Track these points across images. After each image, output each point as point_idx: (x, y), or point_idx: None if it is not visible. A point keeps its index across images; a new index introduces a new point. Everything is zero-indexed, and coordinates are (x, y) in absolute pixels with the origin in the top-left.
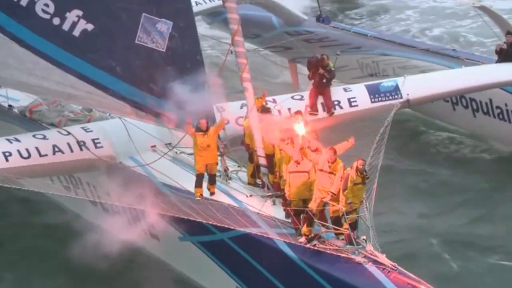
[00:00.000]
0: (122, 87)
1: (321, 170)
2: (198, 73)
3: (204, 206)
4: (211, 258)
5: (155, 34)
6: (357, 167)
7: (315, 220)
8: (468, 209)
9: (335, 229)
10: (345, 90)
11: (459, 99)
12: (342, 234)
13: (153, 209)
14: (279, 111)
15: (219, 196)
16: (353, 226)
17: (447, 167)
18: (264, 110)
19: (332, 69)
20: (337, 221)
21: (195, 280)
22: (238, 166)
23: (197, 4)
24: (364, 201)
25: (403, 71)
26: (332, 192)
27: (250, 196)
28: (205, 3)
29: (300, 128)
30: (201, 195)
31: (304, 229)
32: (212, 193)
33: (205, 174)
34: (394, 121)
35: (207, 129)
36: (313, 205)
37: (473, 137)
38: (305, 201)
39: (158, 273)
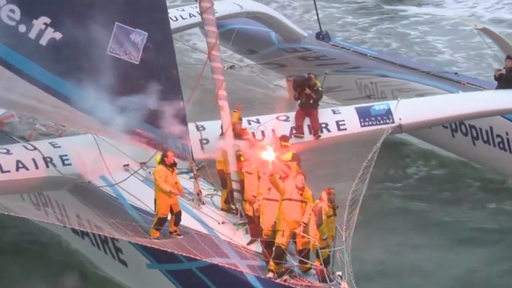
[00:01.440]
0: (91, 104)
1: (290, 199)
2: (173, 89)
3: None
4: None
5: (129, 45)
6: (328, 198)
7: (285, 255)
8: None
9: (305, 263)
10: (333, 112)
11: (458, 125)
12: (310, 269)
13: (117, 236)
14: (262, 132)
15: (190, 222)
16: (327, 261)
17: (440, 198)
18: (238, 133)
19: (320, 89)
20: (306, 254)
21: None
22: (214, 190)
23: (176, 20)
24: (340, 232)
25: (401, 94)
26: (304, 223)
27: (222, 223)
28: (184, 18)
29: (269, 154)
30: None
31: (272, 265)
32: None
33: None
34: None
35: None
36: (282, 240)
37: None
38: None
39: None
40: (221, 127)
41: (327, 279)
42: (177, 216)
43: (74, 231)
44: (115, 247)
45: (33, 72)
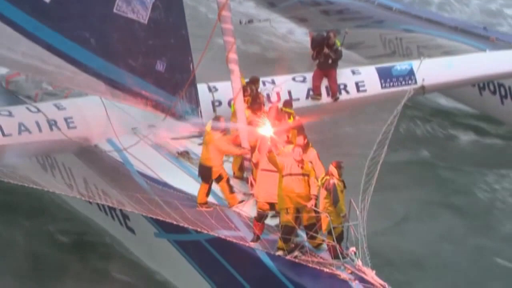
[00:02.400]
0: (96, 63)
1: (290, 175)
2: (182, 50)
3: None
4: (186, 259)
5: (137, 3)
6: (338, 172)
7: (295, 232)
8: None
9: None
10: (353, 72)
11: (486, 83)
12: (321, 244)
13: (121, 206)
14: (277, 94)
15: (196, 189)
16: (340, 236)
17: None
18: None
19: (339, 48)
20: (312, 228)
21: (169, 279)
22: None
23: None
24: (355, 206)
25: (427, 50)
26: (314, 195)
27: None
28: None
29: (266, 130)
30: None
31: (280, 244)
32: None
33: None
34: None
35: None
36: (287, 218)
37: None
38: (273, 206)
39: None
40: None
41: (340, 256)
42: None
43: (81, 194)
44: (122, 213)
45: (36, 30)
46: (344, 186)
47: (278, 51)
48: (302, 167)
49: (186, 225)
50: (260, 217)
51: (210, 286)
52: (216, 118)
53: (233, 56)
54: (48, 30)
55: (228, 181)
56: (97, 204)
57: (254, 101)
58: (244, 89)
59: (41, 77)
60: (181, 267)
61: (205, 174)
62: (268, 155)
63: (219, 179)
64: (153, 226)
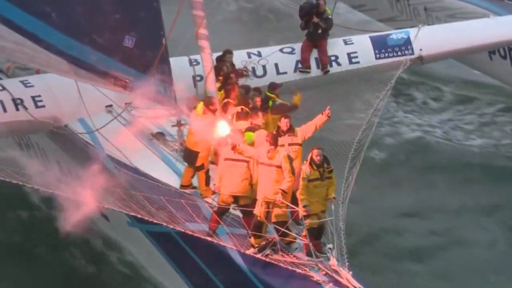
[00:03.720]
0: (58, 39)
1: (262, 164)
2: (153, 23)
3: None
4: (158, 249)
5: None
6: (311, 158)
7: (264, 228)
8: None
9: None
10: (345, 42)
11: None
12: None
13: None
14: (263, 67)
15: (171, 178)
16: (318, 232)
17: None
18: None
19: (330, 17)
20: (282, 225)
21: (144, 266)
22: None
23: None
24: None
25: (433, 12)
26: (282, 190)
27: None
28: None
29: (224, 127)
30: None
31: (252, 239)
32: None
33: None
34: None
35: None
36: (256, 211)
37: None
38: (237, 199)
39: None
40: None
41: (313, 254)
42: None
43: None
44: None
45: None
46: (323, 178)
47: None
48: (270, 157)
49: (150, 219)
50: (221, 211)
51: (181, 278)
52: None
53: (203, 31)
54: (6, 4)
55: (207, 172)
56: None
57: (226, 82)
58: (219, 67)
59: (1, 54)
60: (154, 257)
61: (191, 159)
62: (234, 150)
63: (200, 167)
64: (126, 215)
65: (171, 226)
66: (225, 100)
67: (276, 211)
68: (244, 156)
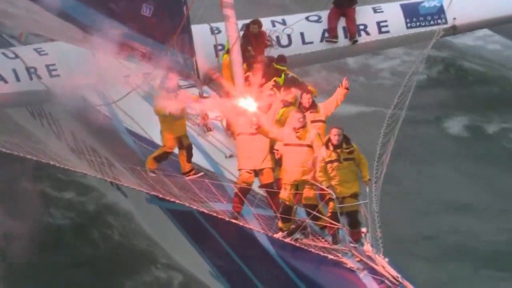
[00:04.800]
0: (73, 6)
1: (288, 145)
2: None
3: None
4: (179, 229)
5: None
6: (328, 138)
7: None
8: None
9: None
10: (374, 10)
11: None
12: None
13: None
14: (288, 36)
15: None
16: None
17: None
18: None
19: None
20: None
21: (165, 248)
22: None
23: None
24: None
25: None
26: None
27: (230, 156)
28: None
29: (250, 104)
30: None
31: (280, 223)
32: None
33: None
34: None
35: None
36: (283, 194)
37: None
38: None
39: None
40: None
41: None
42: (188, 151)
43: (71, 149)
44: (113, 174)
45: None
46: (341, 160)
47: None
48: (298, 137)
49: (172, 199)
50: (243, 192)
51: (204, 260)
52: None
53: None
54: None
55: (188, 148)
56: (87, 160)
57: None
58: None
59: (10, 22)
60: (174, 236)
61: None
62: (259, 130)
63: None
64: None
65: (195, 207)
66: (247, 74)
67: (306, 193)
68: (268, 137)
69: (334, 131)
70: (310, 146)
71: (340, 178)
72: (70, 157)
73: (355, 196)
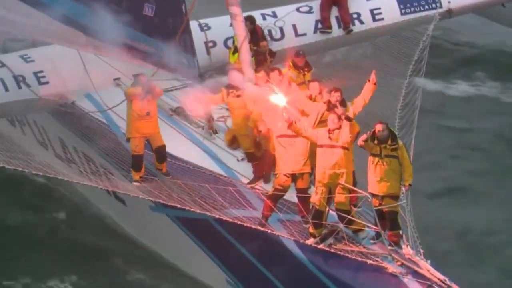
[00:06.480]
0: (72, 8)
1: (321, 146)
2: None
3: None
4: (192, 239)
5: None
6: (373, 131)
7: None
8: None
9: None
10: None
11: None
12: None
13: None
14: (280, 29)
15: (202, 159)
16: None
17: None
18: None
19: None
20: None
21: (171, 261)
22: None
23: None
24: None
25: None
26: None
27: (242, 159)
28: None
29: (279, 99)
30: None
31: (311, 228)
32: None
33: None
34: None
35: None
36: (314, 198)
37: None
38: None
39: None
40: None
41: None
42: (158, 153)
43: (57, 155)
44: (109, 180)
45: None
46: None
47: None
48: (330, 137)
49: (188, 208)
50: (277, 197)
51: (225, 274)
52: None
53: None
54: None
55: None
56: (77, 166)
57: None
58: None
59: (8, 28)
60: (183, 245)
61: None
62: (291, 127)
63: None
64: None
65: (214, 215)
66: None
67: (338, 197)
68: (301, 136)
69: (380, 126)
70: (345, 147)
71: (380, 175)
72: (57, 166)
73: (394, 197)
